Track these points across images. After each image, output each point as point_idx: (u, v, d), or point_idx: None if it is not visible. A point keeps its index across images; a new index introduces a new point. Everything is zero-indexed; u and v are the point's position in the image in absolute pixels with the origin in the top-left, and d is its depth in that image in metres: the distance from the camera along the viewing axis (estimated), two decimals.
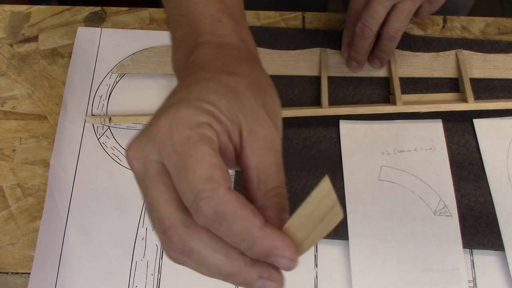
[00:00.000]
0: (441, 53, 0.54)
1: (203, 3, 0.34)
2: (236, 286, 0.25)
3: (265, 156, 0.27)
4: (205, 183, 0.24)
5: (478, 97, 0.53)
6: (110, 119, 0.50)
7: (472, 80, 0.53)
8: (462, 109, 0.50)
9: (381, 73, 0.54)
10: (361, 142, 0.51)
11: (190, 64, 0.32)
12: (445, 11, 0.54)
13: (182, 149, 0.25)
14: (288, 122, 0.52)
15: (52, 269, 0.46)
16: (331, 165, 0.50)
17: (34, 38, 0.57)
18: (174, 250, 0.26)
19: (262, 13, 0.59)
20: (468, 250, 0.47)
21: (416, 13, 0.49)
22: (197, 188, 0.24)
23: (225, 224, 0.24)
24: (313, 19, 0.58)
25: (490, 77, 0.54)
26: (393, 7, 0.47)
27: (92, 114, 0.53)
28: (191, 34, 0.34)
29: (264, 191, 0.27)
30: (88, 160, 0.50)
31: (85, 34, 0.57)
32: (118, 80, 0.54)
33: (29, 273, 0.46)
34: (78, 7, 0.59)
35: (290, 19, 0.58)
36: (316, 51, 0.54)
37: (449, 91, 0.53)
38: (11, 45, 0.57)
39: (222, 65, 0.31)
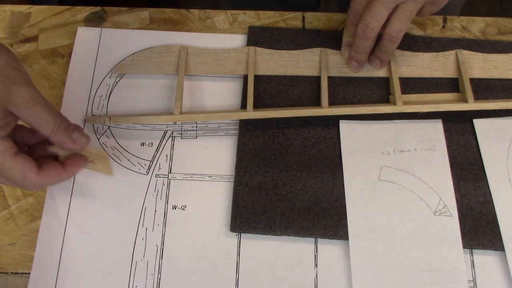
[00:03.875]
0: (441, 53, 0.54)
1: None
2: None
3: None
4: None
5: (478, 97, 0.53)
6: (110, 119, 0.50)
7: (472, 80, 0.53)
8: (462, 109, 0.50)
9: (381, 73, 0.54)
10: (361, 142, 0.51)
11: None
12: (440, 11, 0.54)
13: None
14: (288, 122, 0.52)
15: (52, 269, 0.46)
16: (331, 165, 0.50)
17: (34, 38, 0.57)
18: None
19: (262, 13, 0.59)
20: (468, 250, 0.47)
21: (418, 13, 0.49)
22: None
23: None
24: (313, 19, 0.58)
25: (490, 77, 0.54)
26: (396, 7, 0.47)
27: (92, 114, 0.53)
28: None
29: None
30: None
31: (85, 34, 0.57)
32: (118, 80, 0.54)
33: (29, 273, 0.46)
34: (78, 7, 0.59)
35: (290, 19, 0.58)
36: (316, 51, 0.54)
37: (449, 91, 0.53)
38: (11, 45, 0.57)
39: None
